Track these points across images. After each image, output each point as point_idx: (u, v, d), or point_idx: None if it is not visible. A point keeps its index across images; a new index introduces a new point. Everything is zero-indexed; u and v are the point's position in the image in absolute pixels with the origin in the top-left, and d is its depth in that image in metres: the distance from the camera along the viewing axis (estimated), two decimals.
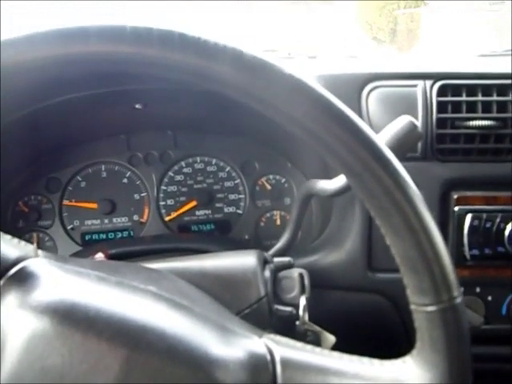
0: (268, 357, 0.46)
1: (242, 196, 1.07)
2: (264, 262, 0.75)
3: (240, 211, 1.07)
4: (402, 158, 0.74)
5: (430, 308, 0.49)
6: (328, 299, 0.93)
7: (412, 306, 0.51)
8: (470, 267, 0.90)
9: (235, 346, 0.46)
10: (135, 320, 0.43)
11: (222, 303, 0.60)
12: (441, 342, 0.50)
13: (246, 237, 1.05)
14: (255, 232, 1.06)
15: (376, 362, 0.50)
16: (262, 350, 0.47)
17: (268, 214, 1.07)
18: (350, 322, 0.89)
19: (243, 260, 0.72)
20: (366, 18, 11.75)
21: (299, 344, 0.50)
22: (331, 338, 0.76)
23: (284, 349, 0.48)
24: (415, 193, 0.49)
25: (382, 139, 0.72)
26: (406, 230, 0.48)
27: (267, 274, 0.72)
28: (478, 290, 0.94)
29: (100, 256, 0.92)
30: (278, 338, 0.51)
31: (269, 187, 1.07)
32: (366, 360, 0.49)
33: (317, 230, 1.01)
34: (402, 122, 0.72)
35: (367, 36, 11.90)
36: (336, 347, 0.74)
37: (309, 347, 0.50)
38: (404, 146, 0.72)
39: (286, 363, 0.46)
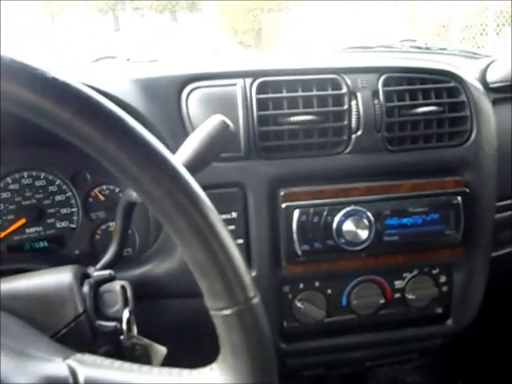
0: (70, 379, 0.44)
1: (74, 209, 1.02)
2: (83, 277, 0.71)
3: (73, 225, 1.02)
4: (217, 158, 0.73)
5: (226, 311, 0.48)
6: (165, 308, 0.91)
7: (210, 312, 0.49)
8: (303, 263, 0.91)
9: (30, 373, 0.44)
10: None
11: (36, 325, 0.57)
12: (241, 346, 0.49)
13: (77, 252, 1.00)
14: (91, 245, 1.02)
15: (185, 372, 0.49)
16: (64, 373, 0.45)
17: (103, 226, 1.02)
18: (189, 329, 0.87)
19: (58, 277, 0.68)
20: (231, 23, 11.92)
21: (107, 361, 0.48)
22: (162, 350, 0.73)
23: (89, 369, 0.46)
24: (200, 196, 0.47)
25: (194, 140, 0.70)
26: (192, 234, 0.46)
27: (86, 289, 0.69)
28: (317, 284, 0.95)
29: None
30: (87, 357, 0.49)
31: (102, 198, 1.03)
32: (175, 371, 0.48)
33: (153, 239, 0.98)
34: (213, 121, 0.71)
35: (233, 41, 12.07)
36: (171, 357, 0.72)
37: (117, 364, 0.48)
38: (217, 145, 0.71)
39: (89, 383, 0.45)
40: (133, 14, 13.44)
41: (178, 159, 0.70)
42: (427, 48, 1.67)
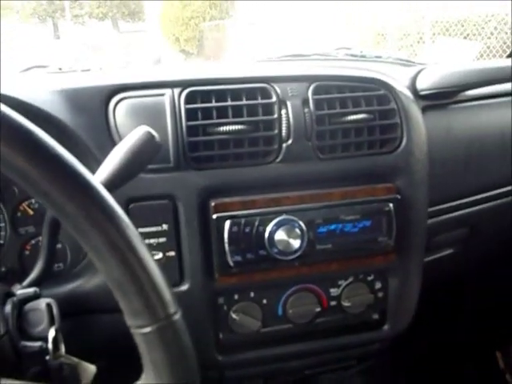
0: None
1: (1, 224, 0.98)
2: (6, 296, 0.69)
3: (1, 241, 0.98)
4: (142, 170, 0.71)
5: (146, 329, 0.47)
6: (96, 324, 0.88)
7: (131, 330, 0.48)
8: (236, 274, 0.90)
9: None
10: None
11: None
12: (162, 364, 0.48)
13: (3, 269, 0.97)
14: (20, 261, 0.98)
15: None
16: None
17: (33, 241, 0.99)
18: (120, 345, 0.85)
19: None
20: (172, 31, 11.88)
21: None
22: (91, 369, 0.71)
23: None
24: (115, 211, 0.46)
25: (118, 153, 0.68)
26: (108, 250, 0.45)
27: (8, 309, 0.67)
28: (252, 294, 0.94)
29: None
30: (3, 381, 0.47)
31: (31, 212, 0.99)
32: None
33: (84, 253, 0.96)
34: (138, 133, 0.70)
35: (175, 49, 12.03)
36: (103, 374, 0.70)
37: None
38: (142, 157, 0.70)
39: None
40: (73, 21, 13.24)
41: (101, 173, 0.68)
42: (362, 56, 1.70)
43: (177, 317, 0.48)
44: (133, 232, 0.46)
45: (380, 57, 1.73)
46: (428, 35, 7.78)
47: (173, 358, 0.47)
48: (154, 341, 0.47)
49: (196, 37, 11.55)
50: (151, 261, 0.47)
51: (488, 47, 6.96)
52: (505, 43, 6.44)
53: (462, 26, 7.38)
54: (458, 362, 1.89)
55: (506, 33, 6.85)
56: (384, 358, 1.82)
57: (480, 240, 1.37)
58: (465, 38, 7.29)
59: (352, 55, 1.68)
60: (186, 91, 0.87)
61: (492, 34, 7.13)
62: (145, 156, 0.69)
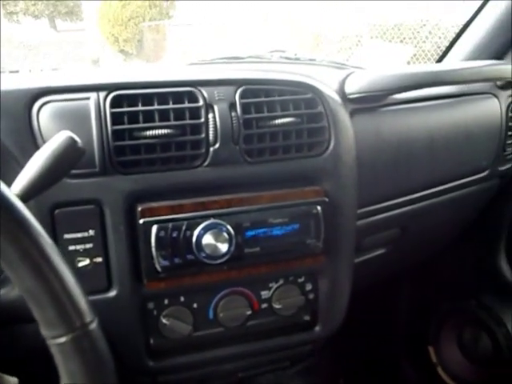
0: None
1: None
2: None
3: None
4: (64, 176, 0.70)
5: (61, 339, 0.46)
6: (21, 334, 0.86)
7: (46, 341, 0.47)
8: (165, 279, 0.89)
9: None
10: None
11: None
12: (79, 374, 0.46)
13: None
14: None
15: None
16: None
17: None
18: (44, 356, 0.83)
19: None
20: (111, 31, 11.68)
21: None
22: (13, 381, 0.70)
23: None
24: (27, 220, 0.44)
25: (38, 159, 0.67)
26: (20, 260, 0.43)
27: None
28: (182, 299, 0.94)
29: None
30: None
31: None
32: None
33: None
34: (60, 138, 0.68)
35: (115, 49, 11.84)
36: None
37: None
38: (64, 163, 0.68)
39: None
40: (6, 18, 12.86)
41: (20, 180, 0.66)
42: (296, 58, 1.71)
43: (93, 326, 0.48)
44: (46, 241, 0.45)
45: (314, 60, 1.75)
46: (366, 38, 7.91)
47: (89, 368, 0.47)
48: (69, 351, 0.46)
49: (135, 37, 11.40)
50: (65, 270, 0.46)
51: (423, 51, 7.14)
52: (439, 47, 6.59)
53: (399, 29, 7.53)
54: (393, 357, 1.94)
55: (440, 37, 7.03)
56: (323, 356, 1.85)
57: (411, 240, 1.40)
58: (401, 41, 7.46)
59: (286, 58, 1.69)
60: (111, 95, 0.86)
61: (427, 37, 7.31)
62: (66, 162, 0.67)
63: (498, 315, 1.65)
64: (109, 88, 0.87)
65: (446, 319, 1.79)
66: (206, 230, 0.87)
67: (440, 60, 1.65)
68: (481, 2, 1.55)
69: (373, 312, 1.90)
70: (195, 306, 0.94)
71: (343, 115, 1.01)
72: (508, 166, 1.50)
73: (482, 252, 1.68)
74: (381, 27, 7.75)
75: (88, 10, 12.32)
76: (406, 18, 7.56)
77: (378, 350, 1.98)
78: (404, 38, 7.49)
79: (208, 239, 0.87)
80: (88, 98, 0.86)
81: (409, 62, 6.60)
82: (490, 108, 1.40)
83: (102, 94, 0.86)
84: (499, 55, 1.55)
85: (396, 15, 7.75)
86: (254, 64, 1.63)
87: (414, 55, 7.10)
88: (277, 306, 0.99)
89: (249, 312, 0.97)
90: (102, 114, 0.85)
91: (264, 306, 0.99)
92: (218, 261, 0.89)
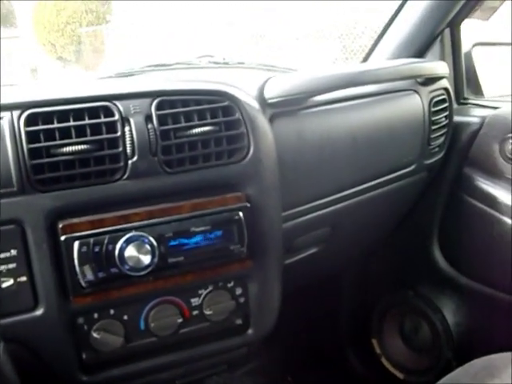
0: None
1: None
2: None
3: None
4: None
5: None
6: None
7: None
8: (91, 294, 0.89)
9: None
10: None
11: None
12: None
13: None
14: None
15: None
16: None
17: None
18: None
19: None
20: (48, 37, 11.45)
21: None
22: None
23: None
24: None
25: None
26: None
27: None
28: (112, 312, 0.94)
29: None
30: None
31: None
32: None
33: None
34: None
35: (52, 56, 11.62)
36: None
37: None
38: None
39: None
40: None
41: None
42: (225, 63, 1.72)
43: None
44: None
45: (243, 63, 1.77)
46: (302, 36, 7.98)
47: None
48: None
49: (73, 43, 11.22)
50: None
51: (360, 46, 7.26)
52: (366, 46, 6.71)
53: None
54: (339, 351, 1.97)
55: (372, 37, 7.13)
56: (269, 355, 1.88)
57: (343, 237, 1.43)
58: (339, 37, 7.55)
59: (215, 62, 1.70)
60: (25, 113, 0.85)
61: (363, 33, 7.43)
62: None
63: (434, 303, 1.70)
64: (22, 107, 0.86)
65: (387, 311, 1.84)
66: (128, 242, 0.88)
67: (366, 59, 1.68)
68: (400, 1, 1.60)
69: (316, 308, 1.93)
70: (126, 317, 0.95)
71: (261, 120, 1.03)
72: (434, 159, 1.55)
73: (416, 243, 1.73)
74: (318, 26, 7.84)
75: (22, 17, 12.05)
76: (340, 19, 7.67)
77: (323, 345, 2.01)
78: (341, 35, 7.60)
79: (130, 251, 0.88)
80: (1, 118, 0.85)
81: (336, 59, 6.71)
82: (412, 104, 1.44)
83: (16, 113, 0.85)
84: (422, 53, 1.61)
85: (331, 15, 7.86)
86: (182, 70, 1.63)
87: (352, 51, 7.21)
88: (208, 312, 1.00)
89: (180, 320, 0.98)
90: (17, 132, 0.84)
91: (195, 312, 1.00)
92: (142, 272, 0.90)
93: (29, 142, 0.85)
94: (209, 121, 0.96)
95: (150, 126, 0.91)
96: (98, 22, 11.04)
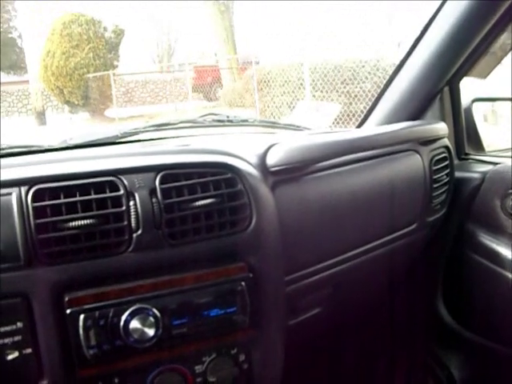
0: None
1: None
2: None
3: None
4: None
5: None
6: None
7: None
8: (95, 365, 0.90)
9: None
10: None
11: None
12: None
13: None
14: None
15: None
16: None
17: None
18: None
19: None
20: (56, 83, 11.64)
21: None
22: None
23: None
24: None
25: None
26: None
27: None
28: (116, 380, 0.94)
29: None
30: None
31: None
32: None
33: None
34: None
35: (60, 100, 11.78)
36: None
37: None
38: None
39: None
40: None
41: None
42: (229, 121, 1.74)
43: None
44: None
45: (246, 120, 1.79)
46: (308, 81, 8.10)
47: None
48: None
49: (81, 88, 11.39)
50: None
51: (364, 91, 7.36)
52: (378, 86, 6.80)
53: (339, 71, 7.75)
54: None
55: (379, 77, 7.25)
56: None
57: (344, 296, 1.43)
58: (342, 82, 7.66)
59: (219, 121, 1.72)
60: (32, 189, 0.88)
61: (366, 78, 7.54)
62: None
63: (440, 359, 1.69)
64: (30, 182, 0.89)
65: (394, 364, 1.83)
66: (132, 315, 0.89)
67: (360, 125, 1.70)
68: (394, 68, 1.63)
69: (318, 363, 1.92)
70: None
71: (263, 190, 1.05)
72: (436, 215, 1.56)
73: (421, 298, 1.72)
74: (321, 70, 7.95)
75: (31, 63, 12.26)
76: (345, 60, 7.78)
77: None
78: (345, 80, 7.70)
79: (135, 324, 0.89)
80: (10, 194, 0.87)
81: (336, 119, 6.82)
82: (413, 164, 1.46)
83: (24, 189, 0.88)
84: (422, 111, 1.63)
85: (335, 57, 7.99)
86: (187, 130, 1.66)
87: (355, 96, 7.31)
88: (211, 379, 1.00)
89: None
90: (25, 208, 0.87)
91: (199, 379, 1.00)
92: (147, 344, 0.90)
93: (36, 217, 0.87)
94: (212, 193, 0.98)
95: (154, 199, 0.94)
96: (106, 67, 11.23)
